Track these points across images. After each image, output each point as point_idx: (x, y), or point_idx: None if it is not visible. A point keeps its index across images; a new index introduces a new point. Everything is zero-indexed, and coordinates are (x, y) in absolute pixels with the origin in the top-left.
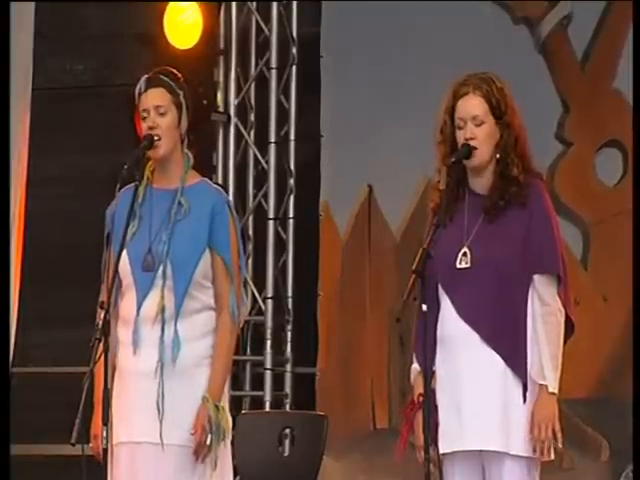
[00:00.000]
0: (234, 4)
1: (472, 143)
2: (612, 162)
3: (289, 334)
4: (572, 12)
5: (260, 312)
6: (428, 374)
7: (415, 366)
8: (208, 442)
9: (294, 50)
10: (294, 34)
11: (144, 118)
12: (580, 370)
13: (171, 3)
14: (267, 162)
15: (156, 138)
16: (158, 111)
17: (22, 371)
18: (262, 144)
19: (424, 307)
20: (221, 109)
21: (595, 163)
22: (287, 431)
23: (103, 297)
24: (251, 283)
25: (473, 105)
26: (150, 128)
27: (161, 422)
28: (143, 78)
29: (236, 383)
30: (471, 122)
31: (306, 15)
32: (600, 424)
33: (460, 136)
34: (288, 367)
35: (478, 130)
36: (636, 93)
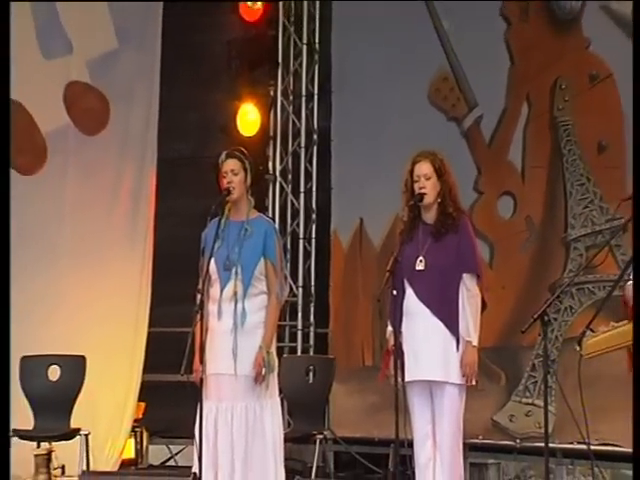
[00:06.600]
0: (279, 108)
1: (423, 191)
2: (507, 205)
3: (312, 308)
4: (483, 114)
5: (294, 295)
6: (397, 333)
7: (389, 328)
8: (263, 373)
9: (315, 136)
10: (315, 126)
11: (224, 177)
12: (488, 330)
13: (242, 106)
14: (299, 204)
15: (232, 188)
16: (233, 172)
17: (155, 331)
18: (296, 193)
19: (394, 292)
20: (270, 172)
21: (497, 205)
22: (311, 367)
23: (200, 286)
24: (289, 277)
25: (424, 167)
26: (228, 183)
27: (235, 361)
28: (224, 153)
29: (280, 338)
30: (423, 178)
31: (322, 114)
32: (499, 362)
33: (416, 187)
34: (312, 329)
35: (427, 183)
36: (636, 99)
